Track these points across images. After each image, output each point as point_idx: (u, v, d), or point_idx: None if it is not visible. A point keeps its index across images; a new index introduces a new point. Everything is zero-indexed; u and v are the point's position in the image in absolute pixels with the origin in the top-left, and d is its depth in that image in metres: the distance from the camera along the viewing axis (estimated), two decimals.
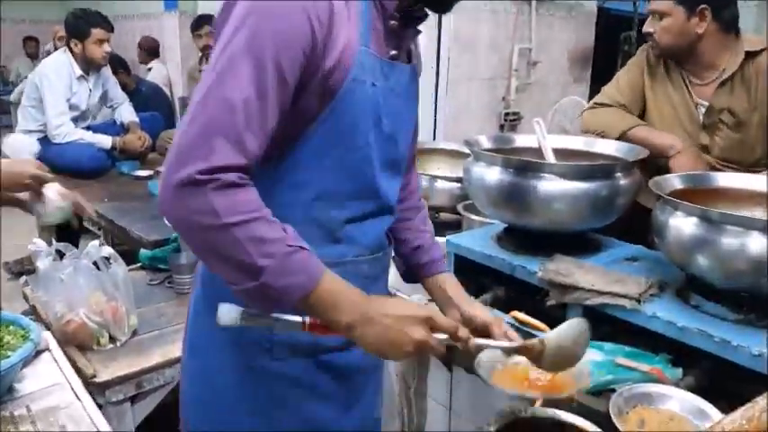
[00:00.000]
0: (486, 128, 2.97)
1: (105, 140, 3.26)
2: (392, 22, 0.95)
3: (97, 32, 3.18)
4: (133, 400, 1.43)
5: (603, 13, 3.60)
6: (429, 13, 1.00)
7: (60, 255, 1.48)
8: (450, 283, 1.18)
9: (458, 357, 1.58)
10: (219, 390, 1.01)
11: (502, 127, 3.02)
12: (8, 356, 1.04)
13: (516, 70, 2.98)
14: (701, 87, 1.86)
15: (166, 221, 0.86)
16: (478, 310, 1.11)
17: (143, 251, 2.01)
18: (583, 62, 3.49)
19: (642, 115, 1.95)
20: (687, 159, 1.77)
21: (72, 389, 1.10)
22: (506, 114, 3.00)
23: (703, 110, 1.85)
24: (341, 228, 0.97)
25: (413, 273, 1.21)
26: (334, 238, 0.97)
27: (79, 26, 3.17)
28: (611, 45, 3.54)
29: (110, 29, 3.30)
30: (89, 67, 3.27)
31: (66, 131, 3.12)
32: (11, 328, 1.16)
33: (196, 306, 1.06)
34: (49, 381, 1.13)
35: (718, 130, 1.84)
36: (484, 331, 1.04)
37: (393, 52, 0.98)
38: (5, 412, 1.03)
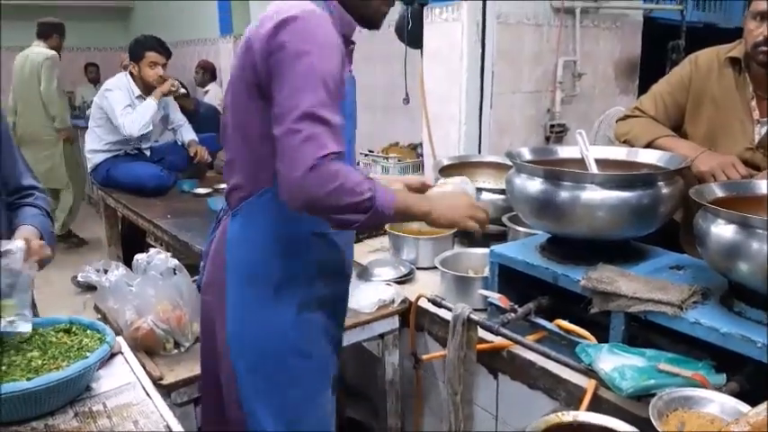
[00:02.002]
0: (532, 140, 2.98)
1: (151, 105, 3.39)
2: (351, 46, 1.29)
3: (151, 55, 3.37)
4: (196, 401, 1.52)
5: (650, 23, 3.56)
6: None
7: (105, 271, 1.61)
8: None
9: (504, 365, 1.62)
10: (283, 344, 1.29)
11: (548, 139, 3.03)
12: (87, 357, 1.15)
13: (561, 82, 2.99)
14: (766, 102, 1.77)
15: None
16: (411, 176, 1.49)
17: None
18: (629, 72, 3.46)
19: (680, 125, 1.92)
20: (707, 156, 1.72)
21: (143, 388, 1.21)
22: (552, 126, 3.00)
23: (761, 128, 1.78)
24: None
25: None
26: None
27: (136, 49, 3.38)
28: (658, 54, 3.50)
29: (165, 54, 3.49)
30: (147, 89, 3.46)
31: (132, 118, 3.31)
32: (88, 332, 1.28)
33: (242, 286, 1.29)
34: (122, 380, 1.23)
35: None
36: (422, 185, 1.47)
37: (351, 67, 1.29)
38: (84, 408, 1.14)
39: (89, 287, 4.06)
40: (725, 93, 1.81)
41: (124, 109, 3.30)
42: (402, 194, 1.22)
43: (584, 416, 1.13)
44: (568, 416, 1.13)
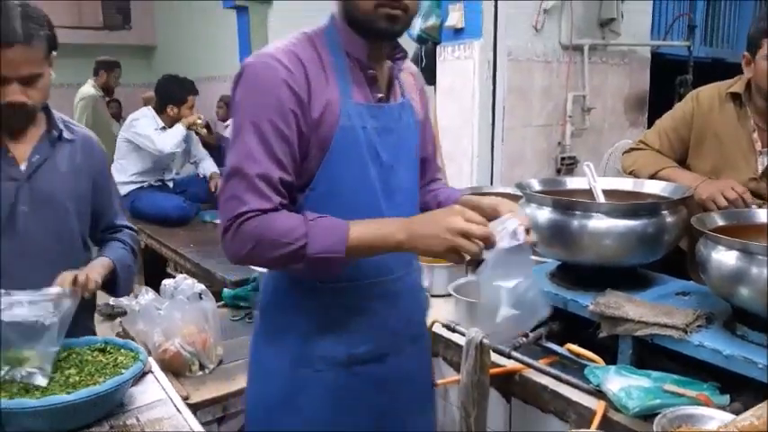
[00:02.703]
0: (543, 172, 3.06)
1: (179, 130, 3.56)
2: (370, 71, 1.16)
3: (192, 99, 3.57)
4: (220, 421, 1.59)
5: (658, 59, 3.66)
6: (403, 53, 1.22)
7: (135, 296, 1.70)
8: (468, 197, 1.26)
9: (516, 389, 1.67)
10: (269, 393, 1.21)
11: (559, 171, 3.11)
12: (122, 374, 1.23)
13: (571, 116, 3.08)
14: (766, 134, 1.84)
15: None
16: (487, 198, 1.18)
17: (226, 290, 2.21)
18: (638, 106, 3.55)
19: (684, 159, 1.99)
20: (707, 183, 1.78)
21: (174, 404, 1.28)
22: (563, 159, 3.09)
23: (764, 158, 1.84)
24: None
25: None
26: (354, 264, 1.12)
27: (180, 93, 3.56)
28: (666, 88, 3.59)
29: (197, 93, 3.70)
30: (171, 124, 3.62)
31: (165, 137, 3.47)
32: (122, 351, 1.36)
33: (256, 334, 1.27)
34: (154, 397, 1.31)
35: None
36: (493, 212, 1.11)
37: (380, 95, 1.18)
38: (119, 422, 1.21)
39: (110, 315, 4.15)
40: (727, 127, 1.89)
41: (156, 130, 3.47)
42: (360, 230, 1.04)
43: None
44: None
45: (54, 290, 1.31)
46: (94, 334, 1.64)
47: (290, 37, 1.14)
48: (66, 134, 1.54)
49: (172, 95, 3.56)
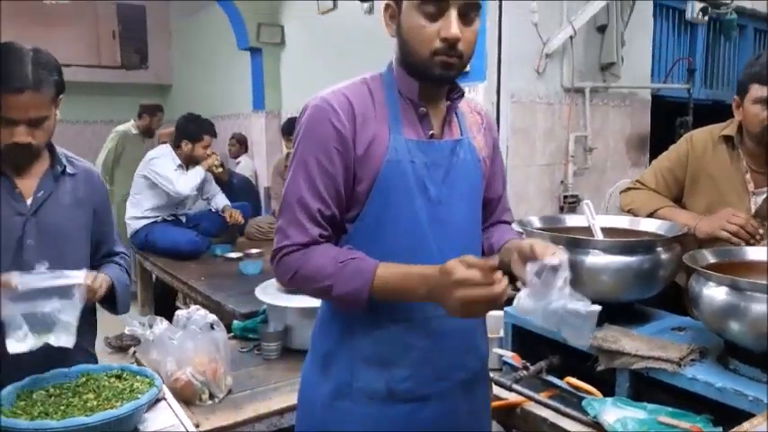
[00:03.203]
0: (547, 209, 3.14)
1: (199, 171, 3.69)
2: (421, 109, 1.20)
3: (207, 138, 3.70)
4: None
5: (658, 101, 3.77)
6: (460, 93, 1.24)
7: (150, 326, 1.76)
8: (515, 241, 1.25)
9: (518, 422, 1.71)
10: (311, 421, 1.24)
11: (562, 208, 3.18)
12: (138, 398, 1.29)
13: (573, 156, 3.18)
14: (759, 175, 1.90)
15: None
16: (527, 239, 1.20)
17: (235, 322, 2.27)
18: (640, 147, 3.64)
19: (680, 198, 2.05)
20: (706, 220, 1.83)
21: (186, 429, 1.33)
22: (566, 197, 3.17)
23: (756, 198, 1.90)
24: None
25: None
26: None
27: (195, 130, 3.69)
28: (667, 129, 3.68)
29: (215, 135, 3.84)
30: (189, 162, 3.75)
31: (185, 179, 3.59)
32: (137, 377, 1.42)
33: (307, 359, 1.31)
34: (167, 423, 1.36)
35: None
36: (531, 253, 1.12)
37: (431, 132, 1.21)
38: None
39: (120, 348, 4.21)
40: (721, 168, 1.96)
41: (175, 171, 3.59)
42: (386, 277, 1.07)
43: None
44: None
45: (73, 273, 1.39)
46: (96, 360, 1.72)
47: (349, 80, 1.23)
48: (69, 169, 1.64)
49: (188, 132, 3.69)
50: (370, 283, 1.07)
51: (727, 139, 1.96)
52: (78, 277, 1.39)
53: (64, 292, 1.35)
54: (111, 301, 1.66)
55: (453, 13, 1.09)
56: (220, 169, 3.93)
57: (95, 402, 1.30)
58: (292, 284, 1.14)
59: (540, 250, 1.11)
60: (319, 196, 1.12)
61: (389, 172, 1.13)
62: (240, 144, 5.70)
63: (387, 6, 1.18)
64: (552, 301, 1.09)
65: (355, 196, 1.15)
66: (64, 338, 1.32)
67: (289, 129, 4.14)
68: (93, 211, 1.69)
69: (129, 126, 5.24)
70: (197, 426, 1.59)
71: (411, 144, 1.16)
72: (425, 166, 1.17)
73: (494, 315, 2.10)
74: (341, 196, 1.14)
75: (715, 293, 1.34)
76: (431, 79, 1.16)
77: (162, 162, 3.62)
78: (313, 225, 1.12)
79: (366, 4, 4.05)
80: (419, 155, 1.16)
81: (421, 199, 1.16)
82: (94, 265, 1.71)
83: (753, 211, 1.90)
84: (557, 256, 1.11)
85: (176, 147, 3.72)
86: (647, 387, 1.48)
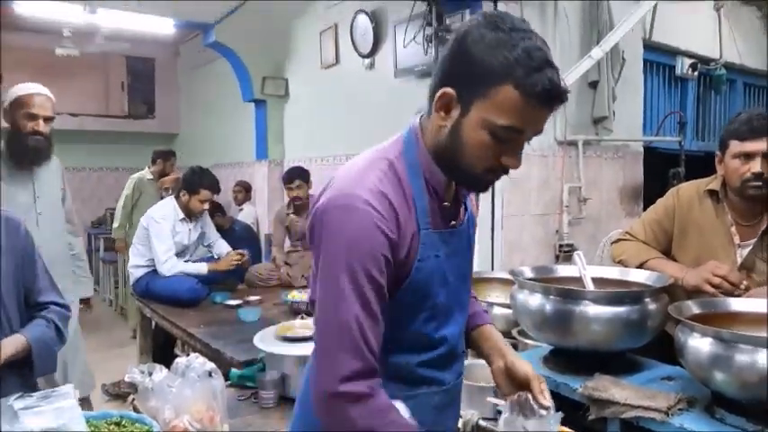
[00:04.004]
0: (542, 258, 3.19)
1: (202, 267, 3.72)
2: (445, 203, 1.11)
3: (204, 193, 3.76)
4: None
5: (651, 152, 3.87)
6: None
7: (150, 373, 1.79)
8: (494, 334, 1.27)
9: None
10: None
11: (557, 257, 3.23)
12: None
13: (567, 206, 3.25)
14: (744, 228, 1.96)
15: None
16: (521, 362, 1.19)
17: (233, 370, 2.29)
18: (633, 197, 3.72)
19: (668, 249, 2.11)
20: (693, 272, 1.88)
21: None
22: (560, 246, 3.22)
23: (742, 250, 1.95)
24: (415, 369, 1.12)
25: None
26: (409, 378, 1.12)
27: (192, 182, 3.76)
28: (660, 180, 3.76)
29: (216, 191, 3.90)
30: (189, 214, 3.82)
31: (172, 265, 3.61)
32: (136, 424, 1.45)
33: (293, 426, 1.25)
34: None
35: (754, 272, 1.91)
36: (524, 383, 1.16)
37: (452, 222, 1.14)
38: None
39: (117, 396, 4.19)
40: (707, 221, 2.02)
41: (167, 251, 3.64)
42: None
43: None
44: None
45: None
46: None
47: (372, 161, 1.07)
48: None
49: (188, 183, 3.77)
50: None
51: (713, 194, 2.02)
52: None
53: None
54: (28, 361, 1.65)
55: (523, 144, 1.03)
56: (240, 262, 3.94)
57: None
58: None
59: (536, 388, 1.15)
60: (374, 316, 1.00)
61: (419, 271, 1.07)
62: (246, 191, 5.81)
63: (444, 95, 1.03)
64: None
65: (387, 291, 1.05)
66: None
67: (289, 178, 4.23)
68: (18, 258, 1.72)
69: (145, 173, 5.40)
70: None
71: (436, 237, 1.09)
72: (447, 256, 1.12)
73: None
74: (386, 307, 1.04)
75: (700, 344, 1.38)
76: (470, 188, 1.13)
77: (162, 222, 3.69)
78: (370, 350, 0.99)
79: (367, 60, 4.21)
80: (443, 247, 1.11)
81: (442, 291, 1.12)
82: (25, 318, 1.73)
83: (738, 263, 1.95)
84: (548, 398, 1.15)
85: (177, 197, 3.80)
86: None
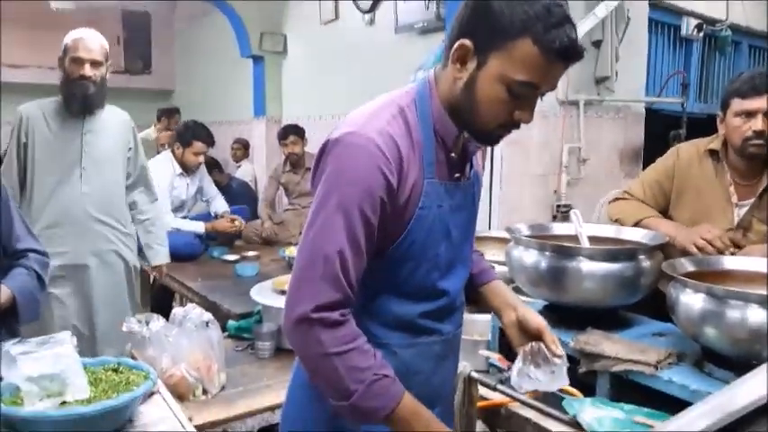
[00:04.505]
0: (540, 218, 3.19)
1: (198, 226, 3.74)
2: (452, 155, 1.11)
3: (197, 145, 3.75)
4: None
5: (652, 114, 3.83)
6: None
7: (147, 323, 1.81)
8: (503, 289, 1.31)
9: (502, 421, 1.75)
10: None
11: (554, 217, 3.23)
12: (134, 390, 1.34)
13: (567, 167, 3.24)
14: (743, 188, 1.96)
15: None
16: (533, 314, 1.23)
17: (230, 322, 2.32)
18: (633, 159, 3.70)
19: (666, 209, 2.11)
20: (686, 231, 1.90)
21: (179, 421, 1.38)
22: (558, 206, 3.22)
23: (740, 210, 1.96)
24: (416, 320, 1.14)
25: (467, 286, 1.28)
26: (410, 328, 1.14)
27: (185, 135, 3.75)
28: (661, 142, 3.74)
29: (209, 143, 3.88)
30: (185, 168, 3.81)
31: (167, 221, 3.61)
32: (133, 370, 1.47)
33: (297, 369, 1.23)
34: (160, 415, 1.41)
35: (751, 231, 1.92)
36: (536, 335, 1.20)
37: (457, 175, 1.14)
38: None
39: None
40: (706, 181, 2.02)
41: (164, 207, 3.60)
42: (406, 410, 1.02)
43: None
44: None
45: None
46: None
47: (383, 106, 1.07)
48: None
49: (181, 137, 3.76)
50: (391, 410, 1.01)
51: (713, 153, 2.02)
52: None
53: None
54: (13, 311, 1.65)
55: (537, 100, 1.03)
56: (241, 228, 3.92)
57: (92, 394, 1.35)
58: (311, 362, 1.02)
59: (548, 338, 1.20)
60: (359, 252, 1.01)
61: (420, 219, 1.07)
62: (245, 148, 5.79)
63: (462, 47, 1.02)
64: (542, 383, 1.21)
65: (381, 236, 1.06)
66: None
67: (284, 133, 4.20)
68: None
69: (150, 131, 5.38)
70: (190, 419, 1.64)
71: (441, 188, 1.09)
72: (450, 209, 1.12)
73: (481, 319, 2.16)
74: (373, 248, 1.05)
75: (692, 300, 1.40)
76: (480, 141, 1.12)
77: (159, 178, 3.65)
78: (349, 283, 1.01)
79: (367, 16, 4.13)
80: (447, 199, 1.11)
81: (444, 243, 1.13)
82: (3, 266, 1.72)
83: (736, 222, 1.96)
84: (560, 349, 1.19)
85: (173, 152, 3.79)
86: (626, 389, 1.52)
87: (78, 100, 2.47)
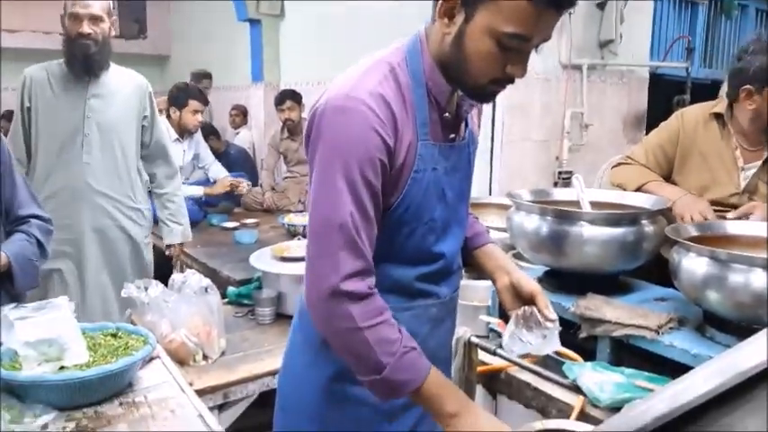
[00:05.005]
0: (541, 185, 3.16)
1: (197, 190, 3.72)
2: (446, 114, 1.08)
3: (193, 104, 3.69)
4: (221, 408, 1.69)
5: (656, 79, 3.77)
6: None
7: (146, 289, 1.79)
8: (498, 253, 1.29)
9: (502, 386, 1.76)
10: (302, 404, 1.18)
11: (556, 184, 3.21)
12: (133, 355, 1.34)
13: (569, 132, 3.20)
14: (749, 152, 1.94)
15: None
16: (527, 279, 1.21)
17: (230, 288, 2.32)
18: (636, 125, 3.66)
19: (670, 174, 2.08)
20: (684, 199, 1.88)
21: (179, 385, 1.38)
22: (560, 173, 3.20)
23: (746, 173, 1.94)
24: (413, 283, 1.13)
25: (461, 249, 1.27)
26: (407, 291, 1.13)
27: (180, 97, 3.69)
28: (664, 108, 3.69)
29: (204, 102, 3.82)
30: (183, 132, 3.76)
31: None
32: (133, 336, 1.46)
33: (293, 336, 1.24)
34: (160, 379, 1.41)
35: (756, 195, 1.91)
36: (529, 300, 1.18)
37: (452, 136, 1.11)
38: (128, 399, 1.31)
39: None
40: (711, 145, 1.99)
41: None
42: (432, 383, 1.01)
43: (564, 423, 1.26)
44: (551, 423, 1.26)
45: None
46: None
47: (372, 66, 1.04)
48: None
49: (175, 100, 3.71)
50: (421, 381, 0.99)
51: (718, 117, 1.98)
52: None
53: None
54: (9, 276, 1.62)
55: (530, 53, 0.99)
56: (245, 188, 3.88)
57: (91, 359, 1.34)
58: (341, 337, 1.00)
59: (541, 303, 1.18)
60: (368, 218, 0.99)
61: (415, 183, 1.05)
62: (243, 115, 5.72)
63: (447, 0, 0.99)
64: (533, 346, 1.21)
65: (383, 201, 1.04)
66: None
67: (281, 99, 4.14)
68: None
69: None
70: (191, 384, 1.64)
71: (435, 150, 1.07)
72: (445, 171, 1.10)
73: (482, 285, 2.15)
74: (380, 214, 1.03)
75: (695, 264, 1.38)
76: (470, 98, 1.08)
77: None
78: (368, 244, 0.99)
79: None
80: (441, 160, 1.09)
81: (440, 206, 1.11)
82: (6, 231, 1.69)
83: (741, 187, 1.94)
84: (553, 313, 1.18)
85: (169, 117, 3.74)
86: (626, 354, 1.52)
87: (79, 60, 2.31)
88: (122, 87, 2.46)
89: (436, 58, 1.05)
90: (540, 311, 1.18)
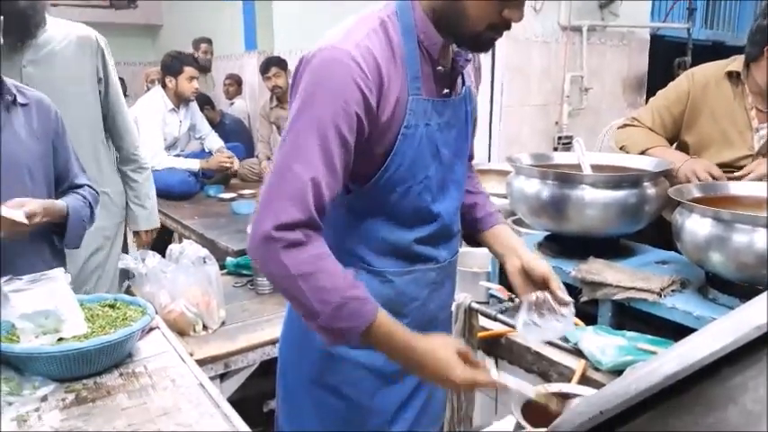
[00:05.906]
0: (541, 150, 3.13)
1: (193, 163, 3.68)
2: (440, 68, 1.06)
3: (189, 70, 3.63)
4: (222, 377, 1.69)
5: (657, 41, 3.71)
6: (471, 55, 1.13)
7: (143, 260, 1.76)
8: (508, 234, 1.27)
9: (503, 351, 1.76)
10: (303, 368, 1.19)
11: (555, 149, 3.18)
12: (131, 325, 1.32)
13: (568, 96, 3.15)
14: (764, 113, 1.90)
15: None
16: (539, 261, 1.18)
17: (229, 259, 2.30)
18: (636, 88, 3.61)
19: (676, 136, 2.04)
20: (689, 162, 1.86)
21: (178, 355, 1.37)
22: (560, 138, 3.16)
23: (760, 133, 1.89)
24: (411, 246, 1.12)
25: (471, 230, 1.29)
26: (406, 255, 1.12)
27: (174, 65, 3.63)
28: (665, 70, 3.63)
29: (198, 68, 3.76)
30: (179, 101, 3.71)
31: (161, 159, 3.55)
32: (131, 306, 1.45)
33: (290, 308, 1.23)
34: (160, 349, 1.40)
35: None
36: (541, 283, 1.16)
37: (445, 91, 1.09)
38: (128, 370, 1.30)
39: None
40: (723, 104, 1.93)
41: (156, 145, 3.49)
42: (381, 331, 0.98)
43: (565, 387, 1.26)
44: (553, 387, 1.26)
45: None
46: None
47: (362, 20, 1.02)
48: (19, 98, 1.57)
49: (169, 68, 3.65)
50: (361, 331, 0.96)
51: (732, 75, 1.93)
52: None
53: None
54: (62, 228, 1.59)
55: None
56: (234, 169, 3.83)
57: (89, 330, 1.33)
58: (277, 282, 0.99)
59: (554, 285, 1.14)
60: (334, 172, 0.96)
61: (407, 137, 1.03)
62: (238, 85, 5.63)
63: None
64: (548, 332, 1.17)
65: (367, 159, 1.02)
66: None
67: (266, 66, 4.08)
68: (50, 143, 1.62)
69: None
70: (191, 354, 1.64)
71: (428, 105, 1.05)
72: (439, 127, 1.08)
73: (481, 251, 2.14)
74: (349, 168, 1.00)
75: (698, 225, 1.36)
76: (468, 48, 1.05)
77: (150, 114, 3.56)
78: (318, 205, 0.95)
79: None
80: (434, 116, 1.06)
81: (434, 164, 1.09)
82: (58, 198, 1.65)
83: (756, 148, 1.90)
84: (567, 296, 1.13)
85: (164, 86, 3.68)
86: (628, 317, 1.52)
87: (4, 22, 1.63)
88: (64, 46, 2.03)
89: (428, 9, 1.03)
90: (553, 294, 1.15)
